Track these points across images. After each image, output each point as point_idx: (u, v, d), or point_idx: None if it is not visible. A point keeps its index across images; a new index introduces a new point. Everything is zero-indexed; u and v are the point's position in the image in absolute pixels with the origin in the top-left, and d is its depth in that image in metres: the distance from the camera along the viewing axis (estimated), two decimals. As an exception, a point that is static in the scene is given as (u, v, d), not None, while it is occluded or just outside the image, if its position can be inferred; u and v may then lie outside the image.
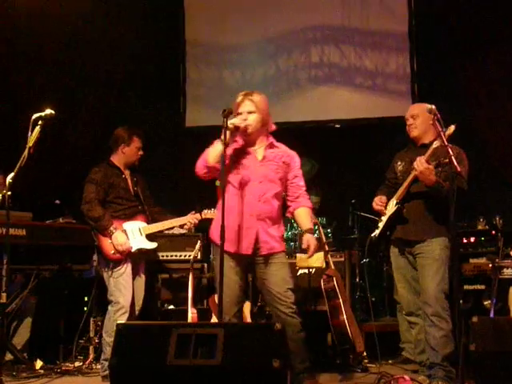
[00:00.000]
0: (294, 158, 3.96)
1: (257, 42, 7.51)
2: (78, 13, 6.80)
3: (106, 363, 4.42)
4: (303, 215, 3.91)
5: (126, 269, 4.59)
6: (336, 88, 7.39)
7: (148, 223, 4.74)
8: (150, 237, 4.71)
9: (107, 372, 4.27)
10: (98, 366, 4.92)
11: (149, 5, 7.37)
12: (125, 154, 4.78)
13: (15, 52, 6.72)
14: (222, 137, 3.60)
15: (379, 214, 4.34)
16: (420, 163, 3.91)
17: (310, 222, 3.90)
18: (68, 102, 6.71)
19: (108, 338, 4.49)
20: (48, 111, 4.04)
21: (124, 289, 4.57)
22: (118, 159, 4.79)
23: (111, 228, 4.53)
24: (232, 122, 3.68)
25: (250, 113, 3.80)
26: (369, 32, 7.27)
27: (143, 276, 4.80)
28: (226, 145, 3.62)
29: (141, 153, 4.83)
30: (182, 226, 4.81)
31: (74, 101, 6.91)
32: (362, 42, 7.30)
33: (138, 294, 4.72)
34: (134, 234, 4.65)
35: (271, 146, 3.91)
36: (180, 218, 4.74)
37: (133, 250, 4.60)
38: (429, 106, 3.75)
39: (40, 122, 4.01)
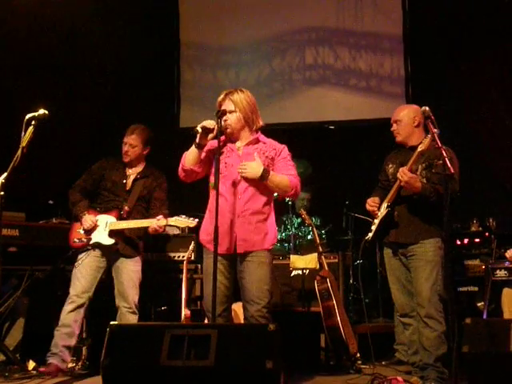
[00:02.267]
0: (281, 151, 3.88)
1: (251, 43, 7.50)
2: (72, 13, 6.79)
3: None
4: None
5: (85, 260, 4.59)
6: (330, 89, 7.39)
7: (118, 219, 4.66)
8: (114, 233, 4.62)
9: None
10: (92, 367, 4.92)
11: (143, 6, 7.36)
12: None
13: (9, 50, 6.70)
14: (197, 139, 3.74)
15: (372, 215, 4.35)
16: (403, 174, 3.92)
17: (274, 172, 3.74)
18: (62, 103, 6.69)
19: (58, 328, 4.53)
20: (41, 111, 4.03)
21: (76, 279, 4.58)
22: None
23: (83, 214, 4.60)
24: (202, 124, 3.72)
25: (230, 112, 3.79)
26: (363, 34, 7.28)
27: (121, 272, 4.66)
28: (198, 147, 3.76)
29: (124, 148, 4.82)
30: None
31: (68, 101, 6.89)
32: (356, 43, 7.30)
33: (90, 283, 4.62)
34: (100, 227, 4.64)
35: (255, 141, 3.87)
36: (144, 220, 4.64)
37: (91, 243, 4.61)
38: (422, 107, 3.74)
39: (33, 122, 4.00)
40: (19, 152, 3.99)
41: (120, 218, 4.65)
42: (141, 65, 7.36)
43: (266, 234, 3.79)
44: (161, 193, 4.85)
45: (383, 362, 4.95)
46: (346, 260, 5.70)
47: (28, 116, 4.04)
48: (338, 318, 4.77)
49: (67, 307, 4.55)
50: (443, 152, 3.53)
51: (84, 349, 5.03)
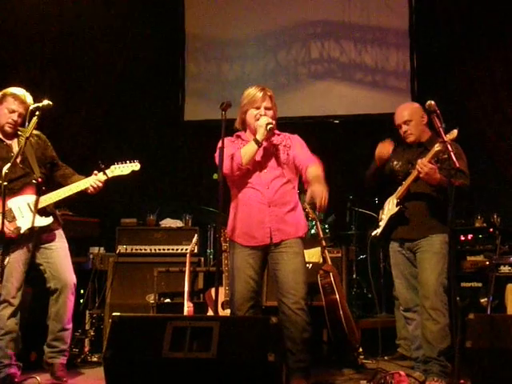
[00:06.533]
0: (295, 138, 3.91)
1: (257, 36, 7.47)
2: (77, 6, 6.79)
3: None
4: (311, 170, 3.72)
5: (13, 255, 4.03)
6: (335, 83, 7.36)
7: (40, 195, 4.06)
8: (44, 211, 4.08)
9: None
10: (94, 359, 4.92)
11: (149, -2, 7.37)
12: None
13: (14, 44, 6.70)
14: (258, 136, 3.68)
15: (378, 211, 4.36)
16: (423, 165, 3.90)
17: (318, 172, 3.67)
18: (67, 95, 6.69)
19: (2, 337, 4.02)
20: (46, 102, 4.01)
21: (7, 280, 3.95)
22: None
23: None
24: (269, 121, 3.70)
25: (268, 109, 3.79)
26: (369, 28, 7.24)
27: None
28: (261, 145, 3.69)
29: (14, 118, 4.15)
30: (87, 191, 4.11)
31: (73, 94, 6.89)
32: (362, 37, 7.26)
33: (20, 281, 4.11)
34: (21, 212, 4.05)
35: (272, 134, 3.86)
36: (79, 182, 4.09)
37: (22, 232, 4.02)
38: (428, 101, 3.73)
39: (37, 113, 3.98)
40: (23, 142, 3.98)
41: (39, 192, 4.06)
42: (146, 57, 7.35)
43: (298, 222, 3.80)
44: (51, 151, 4.34)
45: (386, 357, 4.95)
46: (349, 254, 5.69)
47: (32, 106, 4.03)
48: (341, 313, 4.75)
49: (4, 312, 4.03)
50: (448, 146, 3.53)
51: (86, 340, 5.05)
